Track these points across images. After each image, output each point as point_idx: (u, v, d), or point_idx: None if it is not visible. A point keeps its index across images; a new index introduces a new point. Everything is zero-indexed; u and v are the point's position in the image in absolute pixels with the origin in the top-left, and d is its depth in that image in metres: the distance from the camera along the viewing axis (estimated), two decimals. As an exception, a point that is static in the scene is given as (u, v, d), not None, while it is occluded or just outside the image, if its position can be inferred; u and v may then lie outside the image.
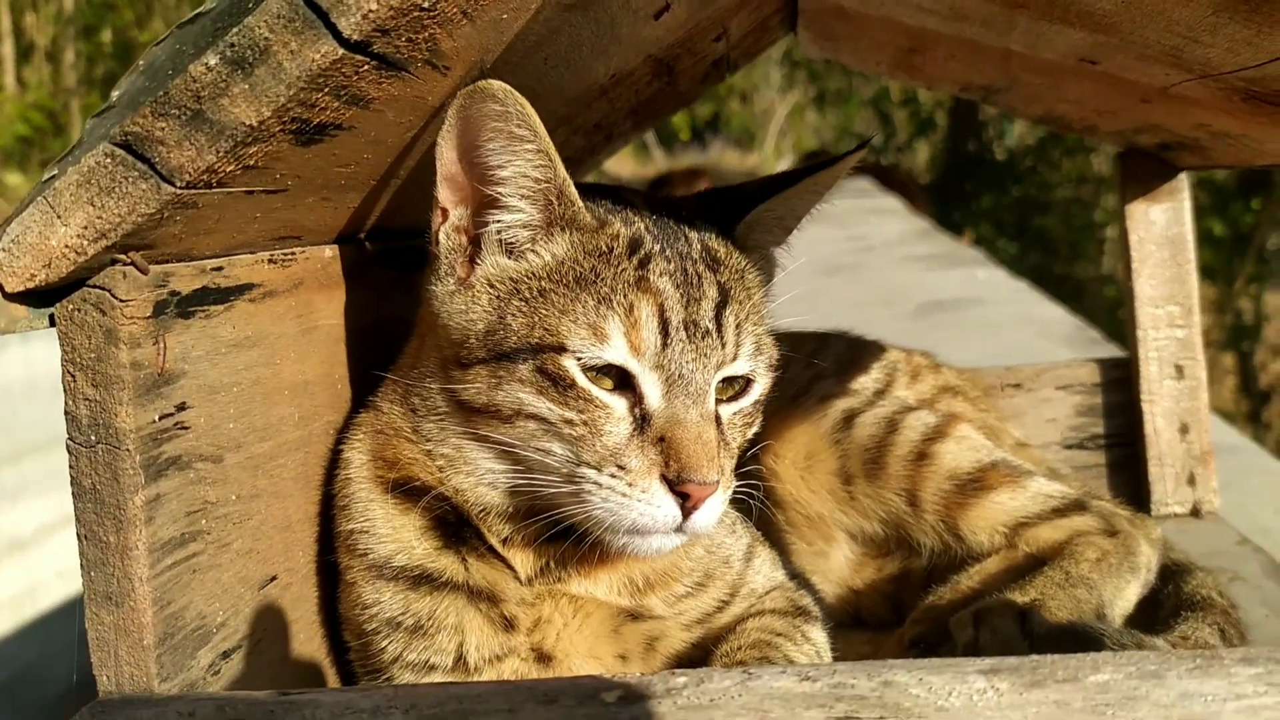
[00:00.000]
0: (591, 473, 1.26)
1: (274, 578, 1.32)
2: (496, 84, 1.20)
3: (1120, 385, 2.33)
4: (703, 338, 1.30)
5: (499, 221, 1.31)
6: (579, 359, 1.26)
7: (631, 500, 1.25)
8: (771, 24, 2.13)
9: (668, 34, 1.67)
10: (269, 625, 1.30)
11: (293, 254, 1.37)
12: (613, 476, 1.26)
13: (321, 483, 1.45)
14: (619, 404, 1.27)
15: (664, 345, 1.28)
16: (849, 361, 2.01)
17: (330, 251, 1.48)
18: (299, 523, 1.39)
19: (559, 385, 1.26)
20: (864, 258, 8.65)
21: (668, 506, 1.26)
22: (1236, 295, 12.80)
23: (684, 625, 1.46)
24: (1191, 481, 2.24)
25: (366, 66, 1.01)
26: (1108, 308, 11.68)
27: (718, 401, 1.35)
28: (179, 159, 0.97)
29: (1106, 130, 2.16)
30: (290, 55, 0.96)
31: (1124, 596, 1.62)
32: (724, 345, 1.32)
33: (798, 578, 1.66)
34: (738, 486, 1.40)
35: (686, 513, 1.27)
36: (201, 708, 1.02)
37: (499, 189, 1.29)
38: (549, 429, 1.28)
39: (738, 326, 1.35)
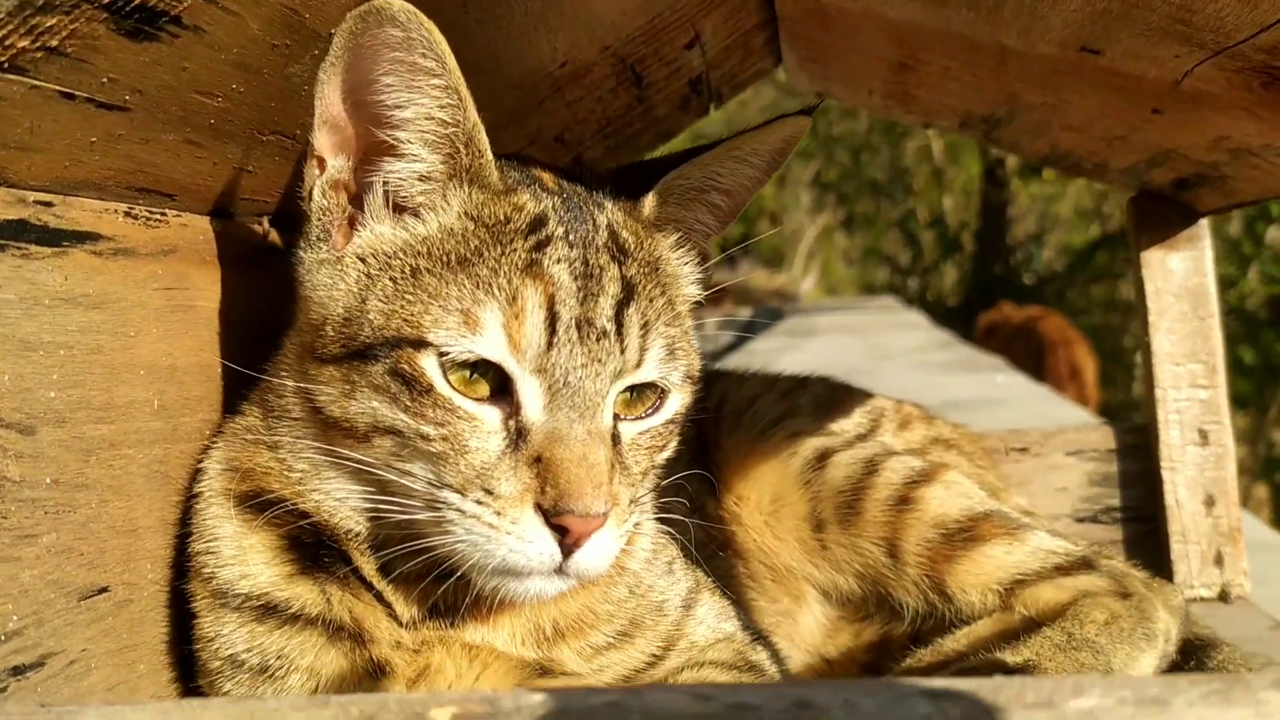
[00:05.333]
0: (454, 497, 1.05)
1: (105, 589, 1.10)
2: (397, 3, 1.02)
3: (1138, 452, 2.09)
4: (597, 339, 1.09)
5: (391, 171, 1.11)
6: (443, 354, 1.05)
7: (499, 533, 1.04)
8: (754, 44, 1.98)
9: (624, 18, 1.51)
10: (92, 647, 1.08)
11: (162, 214, 1.19)
12: (478, 503, 1.04)
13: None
14: (489, 414, 1.06)
15: (549, 344, 1.06)
16: (828, 402, 1.79)
17: (219, 225, 1.29)
18: (150, 530, 1.17)
19: (414, 390, 1.05)
20: (882, 364, 8.46)
21: (541, 542, 1.04)
22: (1269, 425, 12.44)
23: (606, 685, 1.22)
24: (1219, 561, 1.98)
25: (194, -71, 0.84)
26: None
27: (622, 418, 1.14)
28: (-52, 18, 0.80)
29: (1118, 167, 1.97)
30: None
31: (1137, 667, 1.35)
32: (624, 350, 1.11)
33: (755, 634, 1.42)
34: (660, 516, 1.19)
35: (567, 550, 1.04)
36: (-66, 716, 0.79)
37: (396, 133, 1.09)
38: (407, 445, 1.06)
39: (643, 327, 1.14)
